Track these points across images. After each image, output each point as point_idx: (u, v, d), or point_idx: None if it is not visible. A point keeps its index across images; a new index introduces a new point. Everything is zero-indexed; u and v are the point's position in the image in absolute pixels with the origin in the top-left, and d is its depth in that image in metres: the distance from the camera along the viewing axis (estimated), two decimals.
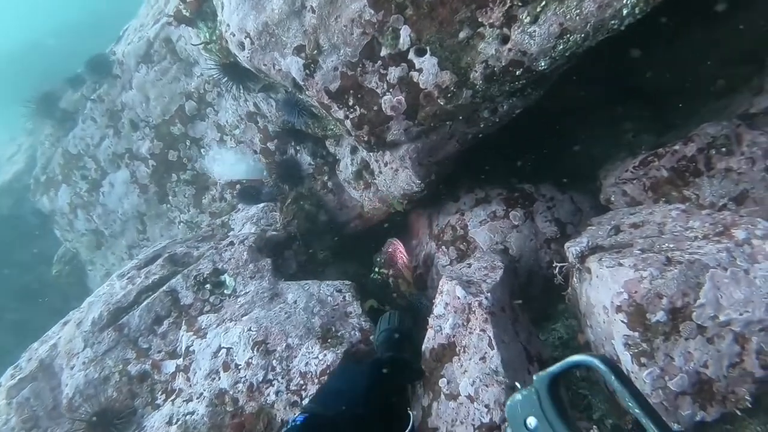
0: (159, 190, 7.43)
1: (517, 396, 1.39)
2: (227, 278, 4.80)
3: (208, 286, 4.75)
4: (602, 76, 4.99)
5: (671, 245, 3.48)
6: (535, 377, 1.38)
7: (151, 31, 6.90)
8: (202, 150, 6.85)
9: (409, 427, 2.81)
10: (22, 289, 10.53)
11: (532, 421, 1.31)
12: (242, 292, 4.67)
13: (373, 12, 3.75)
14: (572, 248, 3.85)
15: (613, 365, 1.28)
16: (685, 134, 4.18)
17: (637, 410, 1.21)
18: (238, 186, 6.58)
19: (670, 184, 4.01)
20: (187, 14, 5.53)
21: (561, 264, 3.89)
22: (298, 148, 5.84)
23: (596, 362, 1.27)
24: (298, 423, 2.28)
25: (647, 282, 3.17)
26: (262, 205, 5.93)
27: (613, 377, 1.26)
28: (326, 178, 5.72)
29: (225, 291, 4.74)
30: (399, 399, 3.32)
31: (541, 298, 4.51)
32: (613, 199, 4.46)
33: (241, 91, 5.68)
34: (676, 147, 3.96)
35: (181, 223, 7.42)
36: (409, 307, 4.79)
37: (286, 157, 5.95)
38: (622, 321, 3.20)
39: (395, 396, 3.26)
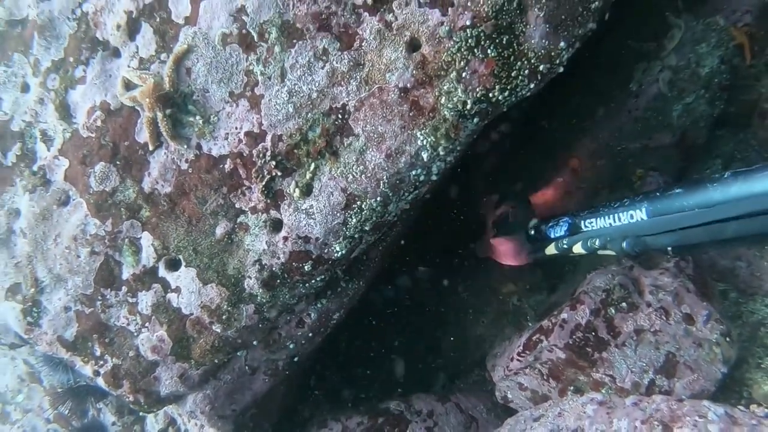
0: None
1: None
2: None
3: None
4: None
5: None
6: None
7: None
8: None
9: None
10: None
11: None
12: None
13: (98, 222, 2.61)
14: None
15: None
16: (573, 289, 3.16)
17: None
18: None
19: (573, 367, 2.84)
20: None
21: None
22: (99, 406, 4.27)
23: None
24: None
25: None
26: None
27: None
28: None
29: None
30: None
31: None
32: (510, 396, 3.21)
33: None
34: (564, 315, 2.86)
35: None
36: None
37: (86, 421, 4.32)
38: None
39: None
